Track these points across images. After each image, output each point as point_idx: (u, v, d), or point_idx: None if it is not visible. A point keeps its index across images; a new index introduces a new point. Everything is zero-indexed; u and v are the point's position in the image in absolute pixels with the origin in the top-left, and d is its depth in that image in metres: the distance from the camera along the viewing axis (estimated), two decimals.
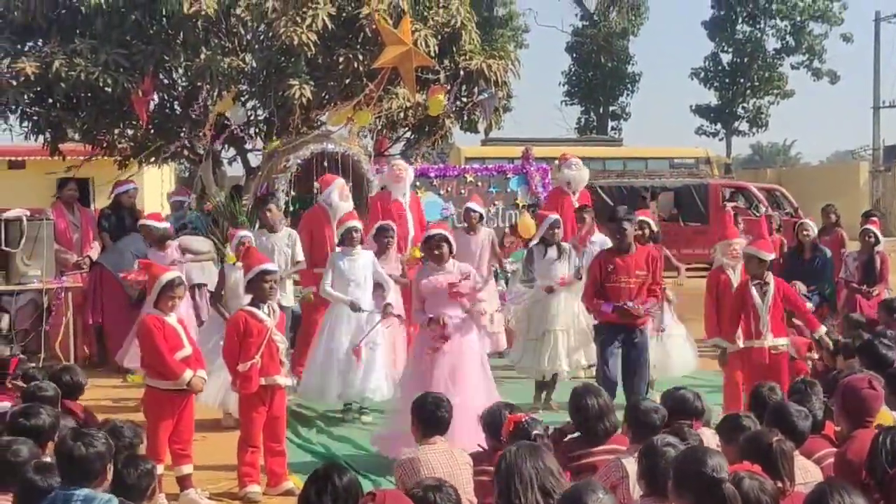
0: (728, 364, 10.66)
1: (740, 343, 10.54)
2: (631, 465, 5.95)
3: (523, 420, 6.36)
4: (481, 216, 13.77)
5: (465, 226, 13.57)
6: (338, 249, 11.69)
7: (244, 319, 8.77)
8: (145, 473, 5.81)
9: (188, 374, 8.51)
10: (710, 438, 6.61)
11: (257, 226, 12.67)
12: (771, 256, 10.56)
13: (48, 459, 6.02)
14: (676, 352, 12.32)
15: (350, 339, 11.06)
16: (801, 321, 10.83)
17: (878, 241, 14.15)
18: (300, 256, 12.24)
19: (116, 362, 12.65)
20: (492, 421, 6.82)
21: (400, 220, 13.35)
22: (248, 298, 9.12)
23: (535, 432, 6.21)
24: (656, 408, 6.61)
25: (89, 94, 15.05)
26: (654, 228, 12.55)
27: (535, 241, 12.46)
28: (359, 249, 11.47)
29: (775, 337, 10.28)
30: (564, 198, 14.27)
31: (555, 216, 12.56)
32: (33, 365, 9.77)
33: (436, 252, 9.74)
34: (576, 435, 6.98)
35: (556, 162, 15.09)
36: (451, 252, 9.79)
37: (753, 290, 10.29)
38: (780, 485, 5.39)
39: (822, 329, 10.50)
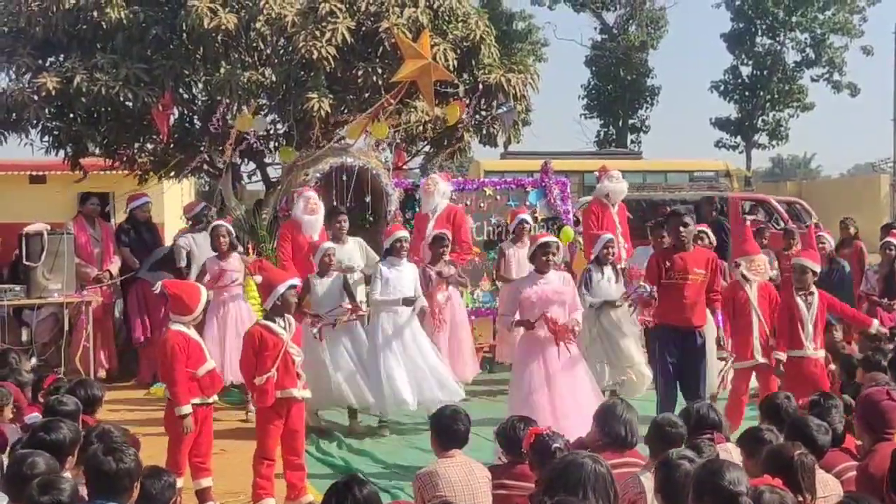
0: (738, 377, 10.76)
1: (759, 357, 10.62)
2: (648, 481, 5.93)
3: (544, 433, 6.35)
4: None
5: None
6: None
7: (260, 333, 8.79)
8: (167, 486, 5.82)
9: (186, 409, 8.49)
10: (732, 452, 6.59)
11: (331, 236, 12.70)
12: (818, 267, 10.59)
13: (67, 475, 6.03)
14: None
15: (402, 348, 11.31)
16: (853, 323, 10.83)
17: None
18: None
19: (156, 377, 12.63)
20: (509, 436, 6.81)
21: (419, 234, 13.41)
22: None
23: (555, 445, 6.20)
24: (673, 422, 6.60)
25: (110, 109, 15.10)
26: (713, 239, 12.59)
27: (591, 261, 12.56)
28: (404, 261, 11.66)
29: (817, 349, 10.32)
30: (604, 210, 14.37)
31: (608, 235, 12.63)
32: (68, 379, 9.81)
33: (543, 259, 9.97)
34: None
35: (596, 174, 15.20)
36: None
37: (799, 301, 10.31)
38: (800, 499, 5.37)
39: (876, 322, 10.57)
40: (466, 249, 13.59)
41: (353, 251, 12.47)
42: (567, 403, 9.65)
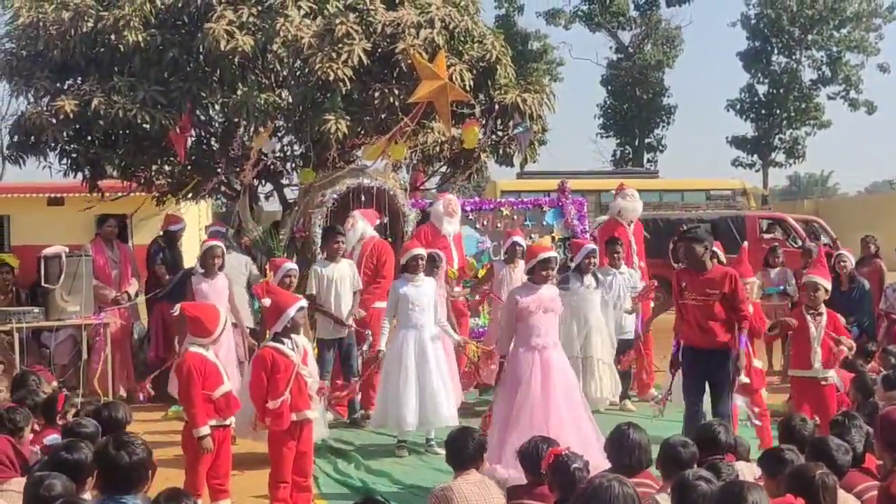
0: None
1: (743, 377, 10.54)
2: (665, 502, 5.91)
3: (563, 453, 6.32)
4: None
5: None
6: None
7: (271, 356, 8.79)
8: None
9: (205, 430, 8.48)
10: (745, 471, 6.57)
11: (323, 255, 12.85)
12: (830, 285, 10.57)
13: (87, 496, 6.03)
14: None
15: (416, 364, 11.23)
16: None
17: None
18: (360, 285, 12.70)
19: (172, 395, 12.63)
20: (530, 456, 6.79)
21: (446, 254, 13.50)
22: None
23: (574, 465, 6.17)
24: (685, 442, 6.58)
25: (127, 132, 15.15)
26: (722, 259, 12.53)
27: (572, 269, 12.63)
28: (422, 276, 11.64)
29: (825, 368, 10.26)
30: (618, 228, 14.41)
31: (592, 246, 12.79)
32: (79, 400, 9.82)
33: (543, 273, 10.02)
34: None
35: (614, 192, 15.27)
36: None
37: (809, 319, 10.26)
38: None
39: (850, 342, 10.55)
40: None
41: (345, 271, 12.56)
42: (564, 417, 9.62)
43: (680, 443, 6.57)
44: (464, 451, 6.92)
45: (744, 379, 10.62)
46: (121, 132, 15.22)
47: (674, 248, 12.73)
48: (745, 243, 12.90)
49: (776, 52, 51.55)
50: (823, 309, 10.45)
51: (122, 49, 14.65)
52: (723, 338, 9.97)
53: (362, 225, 13.31)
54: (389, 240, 14.46)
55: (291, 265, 11.98)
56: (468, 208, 15.33)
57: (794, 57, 51.45)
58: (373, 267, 13.04)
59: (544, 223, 15.62)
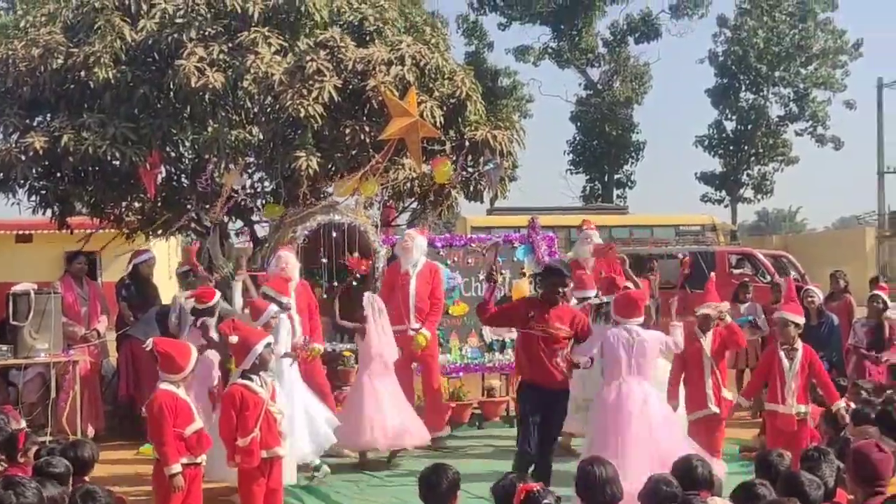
0: (695, 429, 10.73)
1: (712, 407, 10.67)
2: None
3: (535, 490, 6.31)
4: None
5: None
6: None
7: (240, 393, 8.78)
8: None
9: (176, 468, 8.44)
10: None
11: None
12: (801, 320, 10.64)
13: None
14: None
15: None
16: (822, 391, 10.71)
17: (886, 307, 14.12)
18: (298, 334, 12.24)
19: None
20: (504, 493, 6.77)
21: (402, 292, 13.45)
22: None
23: (545, 501, 6.16)
24: (669, 481, 6.59)
25: (97, 168, 15.08)
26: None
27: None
28: None
29: (799, 403, 10.33)
30: (575, 269, 14.43)
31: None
32: (47, 439, 9.74)
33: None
34: None
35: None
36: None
37: (782, 355, 10.34)
38: None
39: (841, 403, 10.44)
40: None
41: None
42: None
43: (664, 480, 6.57)
44: (437, 488, 6.87)
45: (713, 409, 10.71)
46: (90, 169, 15.15)
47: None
48: (713, 274, 13.07)
49: (744, 88, 51.99)
50: (799, 344, 10.51)
51: (92, 86, 14.59)
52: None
53: (294, 262, 12.92)
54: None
55: (276, 308, 11.77)
56: (438, 244, 15.29)
57: (761, 93, 51.91)
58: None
59: (514, 259, 15.61)
